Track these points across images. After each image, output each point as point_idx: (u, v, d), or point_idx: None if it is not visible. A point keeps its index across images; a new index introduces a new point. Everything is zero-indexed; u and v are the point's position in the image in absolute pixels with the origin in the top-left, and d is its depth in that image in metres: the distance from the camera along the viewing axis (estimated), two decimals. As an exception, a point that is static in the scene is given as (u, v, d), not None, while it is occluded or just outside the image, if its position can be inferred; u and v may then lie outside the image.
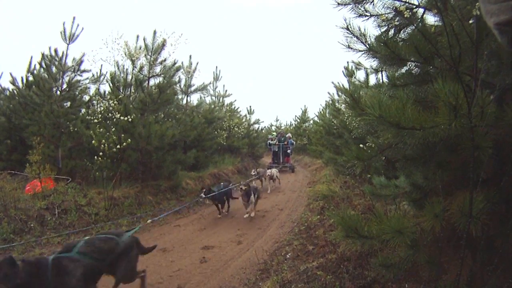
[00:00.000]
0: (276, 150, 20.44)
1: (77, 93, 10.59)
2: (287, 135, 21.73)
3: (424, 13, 3.24)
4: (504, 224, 2.38)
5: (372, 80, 9.07)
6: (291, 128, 29.94)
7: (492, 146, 2.15)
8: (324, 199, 8.66)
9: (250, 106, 23.82)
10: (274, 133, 23.22)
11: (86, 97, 11.27)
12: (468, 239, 2.23)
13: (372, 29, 3.65)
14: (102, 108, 9.50)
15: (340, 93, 12.02)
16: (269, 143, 21.32)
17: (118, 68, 10.23)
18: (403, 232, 2.45)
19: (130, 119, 8.74)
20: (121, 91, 10.16)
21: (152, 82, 10.18)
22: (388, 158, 3.74)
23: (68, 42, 9.88)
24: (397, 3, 3.18)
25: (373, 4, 3.28)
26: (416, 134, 2.21)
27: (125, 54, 9.95)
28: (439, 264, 2.63)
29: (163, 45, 9.95)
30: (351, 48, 3.25)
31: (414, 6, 3.23)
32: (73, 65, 10.27)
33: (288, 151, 20.54)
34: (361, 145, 5.36)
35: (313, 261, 4.94)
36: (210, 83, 17.53)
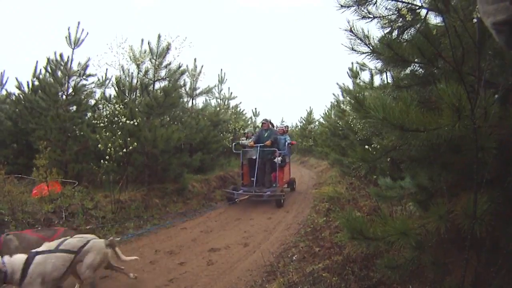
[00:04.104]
0: (254, 157, 10.70)
1: (82, 97, 10.67)
2: (277, 128, 12.69)
3: (427, 14, 3.24)
4: (509, 224, 2.38)
5: (377, 80, 9.08)
6: (297, 129, 29.67)
7: (496, 146, 2.15)
8: (330, 200, 8.66)
9: (255, 108, 23.80)
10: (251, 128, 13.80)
11: (92, 101, 11.36)
12: (472, 240, 2.23)
13: (375, 30, 3.65)
14: (108, 112, 9.54)
15: (345, 94, 11.99)
16: (238, 143, 12.39)
17: (124, 72, 10.27)
18: (408, 234, 2.46)
19: (136, 123, 8.79)
20: (127, 95, 10.20)
21: (157, 85, 10.23)
22: (393, 159, 3.74)
23: (73, 46, 9.95)
24: (400, 5, 3.19)
25: (376, 6, 3.29)
26: (420, 136, 2.22)
27: (130, 58, 9.98)
28: (444, 265, 2.63)
29: (167, 48, 9.98)
30: (355, 50, 3.26)
31: (417, 7, 3.23)
32: (78, 70, 10.35)
33: (277, 159, 10.66)
34: (366, 146, 5.38)
35: (319, 262, 4.94)
36: (215, 85, 17.43)
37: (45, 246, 3.81)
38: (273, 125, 12.21)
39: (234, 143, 12.42)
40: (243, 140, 12.10)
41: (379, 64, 3.44)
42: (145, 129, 8.97)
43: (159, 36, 9.91)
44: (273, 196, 9.96)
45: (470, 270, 2.39)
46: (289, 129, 16.28)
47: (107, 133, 8.75)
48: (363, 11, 3.36)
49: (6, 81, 12.58)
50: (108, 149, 8.32)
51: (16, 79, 11.76)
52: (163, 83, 10.18)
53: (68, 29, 9.84)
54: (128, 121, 8.76)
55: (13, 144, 11.29)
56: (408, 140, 2.35)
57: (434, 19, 3.30)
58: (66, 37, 9.85)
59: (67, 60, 10.12)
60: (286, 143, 11.81)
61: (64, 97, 10.15)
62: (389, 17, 3.31)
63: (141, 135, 8.81)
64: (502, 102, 2.40)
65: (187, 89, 13.30)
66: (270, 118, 11.84)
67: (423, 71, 3.15)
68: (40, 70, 11.49)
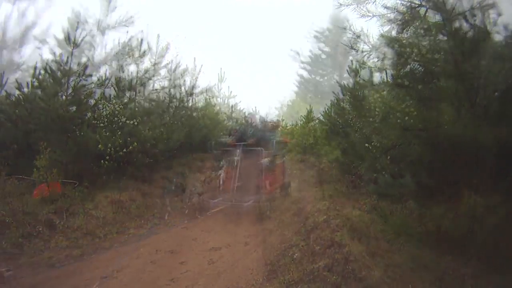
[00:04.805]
0: (235, 158, 8.91)
1: (82, 97, 10.62)
2: (268, 122, 10.94)
3: (426, 11, 3.23)
4: (509, 224, 2.37)
5: (377, 78, 9.02)
6: (297, 127, 29.29)
7: (496, 145, 2.14)
8: (330, 199, 8.64)
9: (255, 107, 23.66)
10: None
11: (92, 101, 11.31)
12: (472, 239, 2.23)
13: (375, 28, 3.65)
14: (108, 112, 9.53)
15: (344, 92, 11.92)
16: (216, 142, 10.14)
17: (123, 72, 10.25)
18: (409, 232, 2.45)
19: (136, 123, 8.79)
20: (127, 94, 10.19)
21: (157, 85, 10.24)
22: (393, 157, 3.74)
23: (72, 47, 9.92)
24: (399, 2, 3.19)
25: (375, 4, 3.29)
26: (420, 135, 2.22)
27: (130, 58, 9.98)
28: (444, 263, 2.63)
29: (167, 48, 10.01)
30: (354, 49, 3.26)
31: (417, 5, 3.23)
32: (78, 70, 10.31)
33: (264, 160, 8.91)
34: (366, 145, 5.38)
35: (320, 261, 4.94)
36: (214, 84, 17.40)
37: None
38: (265, 121, 10.92)
39: (212, 141, 10.11)
40: (223, 137, 10.55)
41: (378, 62, 3.44)
42: (145, 128, 8.96)
43: (158, 36, 9.95)
44: (254, 207, 8.19)
45: (470, 269, 2.39)
46: (281, 123, 14.27)
47: (107, 133, 8.75)
48: (362, 9, 3.35)
49: (5, 82, 12.51)
50: (108, 149, 8.33)
51: (16, 80, 11.70)
52: (163, 83, 10.20)
53: (68, 29, 9.83)
54: (128, 121, 8.76)
55: (13, 145, 11.23)
56: (408, 139, 2.35)
57: (434, 17, 3.29)
58: (65, 38, 9.82)
59: (67, 60, 10.08)
60: (274, 141, 9.81)
61: (64, 97, 10.11)
62: (388, 15, 3.30)
63: (141, 135, 8.80)
64: (502, 101, 2.39)
65: (187, 88, 13.28)
66: (259, 112, 10.49)
67: (422, 69, 3.14)
68: (40, 70, 11.45)
